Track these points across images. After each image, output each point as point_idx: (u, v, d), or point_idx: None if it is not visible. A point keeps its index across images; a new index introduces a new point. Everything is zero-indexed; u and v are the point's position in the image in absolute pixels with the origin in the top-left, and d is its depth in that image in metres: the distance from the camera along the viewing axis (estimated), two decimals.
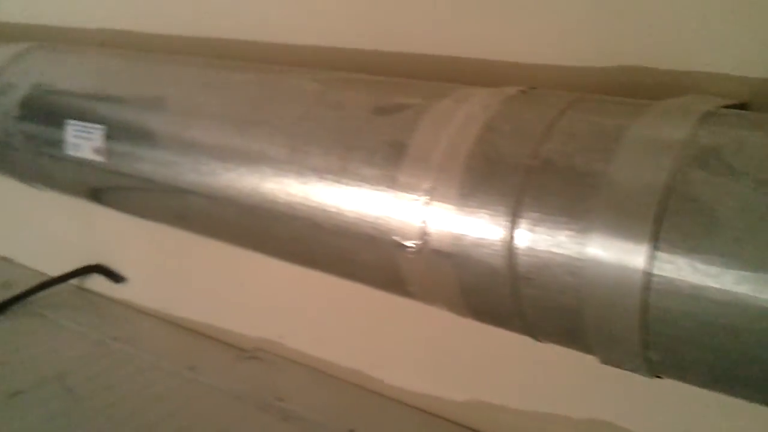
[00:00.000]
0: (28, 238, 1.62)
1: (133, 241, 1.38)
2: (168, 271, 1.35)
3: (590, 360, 0.65)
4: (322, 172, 0.73)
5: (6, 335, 1.35)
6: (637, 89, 0.75)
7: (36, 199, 1.46)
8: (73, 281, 1.50)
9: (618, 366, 0.63)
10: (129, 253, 1.41)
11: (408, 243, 0.68)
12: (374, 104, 0.74)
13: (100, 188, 1.03)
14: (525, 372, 0.96)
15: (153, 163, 0.88)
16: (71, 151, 0.98)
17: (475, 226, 0.63)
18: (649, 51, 0.75)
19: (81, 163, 0.98)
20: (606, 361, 0.64)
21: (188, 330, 1.32)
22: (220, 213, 0.84)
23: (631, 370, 0.63)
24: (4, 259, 1.67)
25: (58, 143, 0.99)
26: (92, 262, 1.47)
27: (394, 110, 0.72)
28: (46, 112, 1.01)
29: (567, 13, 0.79)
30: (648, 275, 0.55)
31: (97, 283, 1.47)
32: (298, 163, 0.75)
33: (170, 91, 0.90)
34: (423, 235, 0.66)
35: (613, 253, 0.56)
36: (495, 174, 0.62)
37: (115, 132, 0.92)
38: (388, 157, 0.69)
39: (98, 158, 0.94)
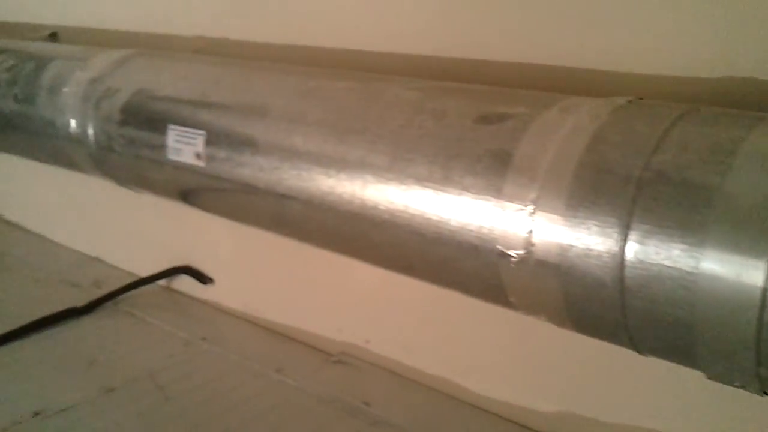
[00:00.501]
0: (117, 238, 1.67)
1: (221, 243, 1.41)
2: (254, 274, 1.38)
3: (691, 374, 0.64)
4: (423, 180, 0.74)
5: (97, 333, 1.39)
6: (747, 101, 0.73)
7: (125, 201, 1.51)
8: (161, 281, 1.54)
9: (726, 382, 0.62)
10: (216, 255, 1.44)
11: (512, 253, 0.68)
12: (477, 113, 0.75)
13: (194, 190, 1.06)
14: (617, 384, 0.95)
15: (253, 169, 0.90)
16: (172, 155, 1.00)
17: (583, 237, 0.63)
18: (760, 62, 0.73)
19: (180, 167, 1.00)
20: (713, 376, 0.62)
21: (274, 332, 1.34)
22: (319, 219, 0.86)
23: (740, 387, 0.62)
24: (95, 258, 1.73)
25: (158, 147, 1.02)
26: (180, 263, 1.51)
27: (497, 119, 0.72)
28: (147, 117, 1.04)
29: (675, 23, 0.78)
30: (766, 291, 0.54)
31: (184, 283, 1.51)
32: (399, 171, 0.76)
33: (271, 98, 0.92)
34: (528, 245, 0.66)
35: (730, 269, 0.55)
36: (605, 185, 0.62)
37: (216, 137, 0.95)
38: (492, 166, 0.70)
39: (198, 163, 0.97)
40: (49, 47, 1.38)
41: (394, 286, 1.09)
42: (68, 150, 1.21)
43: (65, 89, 1.19)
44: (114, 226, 1.67)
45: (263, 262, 1.34)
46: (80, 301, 1.48)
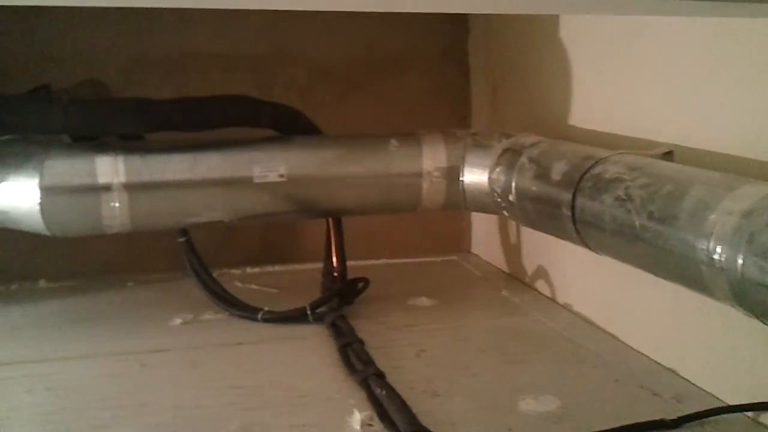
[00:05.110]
0: (699, 354, 1.67)
1: None
2: None
3: None
4: None
5: None
6: None
7: (716, 319, 1.51)
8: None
9: None
10: None
11: None
12: None
13: None
14: None
15: None
16: None
17: None
18: None
19: None
20: None
21: None
22: None
23: None
24: (669, 369, 1.75)
25: None
26: None
27: None
28: None
29: None
30: None
31: None
32: None
33: None
34: None
35: None
36: None
37: None
38: None
39: None
40: (684, 171, 1.44)
41: None
42: (705, 275, 1.24)
43: (712, 216, 1.23)
44: (698, 341, 1.67)
45: None
46: (663, 413, 1.50)
